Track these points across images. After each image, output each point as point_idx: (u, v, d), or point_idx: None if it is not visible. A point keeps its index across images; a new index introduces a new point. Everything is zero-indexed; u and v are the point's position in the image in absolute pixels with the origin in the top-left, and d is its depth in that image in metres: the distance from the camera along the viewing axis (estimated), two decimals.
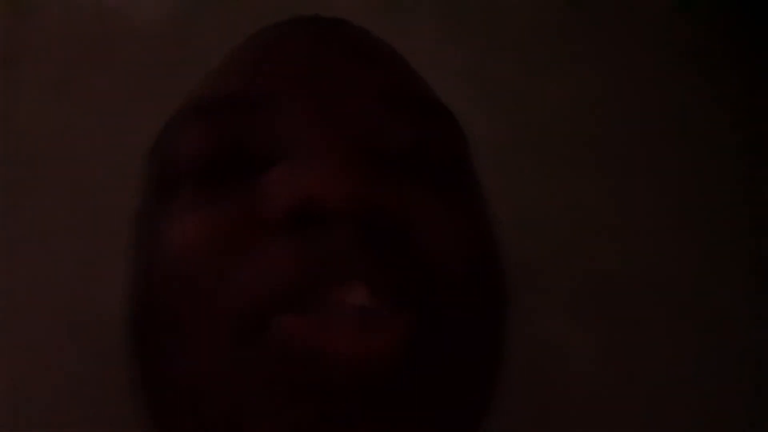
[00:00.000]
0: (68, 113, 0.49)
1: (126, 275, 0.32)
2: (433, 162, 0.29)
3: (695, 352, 0.52)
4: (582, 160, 0.55)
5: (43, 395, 0.44)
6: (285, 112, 0.28)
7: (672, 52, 0.59)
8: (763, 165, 0.58)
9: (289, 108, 0.28)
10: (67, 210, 0.47)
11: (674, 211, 0.56)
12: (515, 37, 0.57)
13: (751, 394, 0.52)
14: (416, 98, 0.30)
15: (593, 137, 0.56)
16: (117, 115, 0.50)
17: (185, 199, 0.28)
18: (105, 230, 0.47)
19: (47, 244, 0.47)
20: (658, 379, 0.51)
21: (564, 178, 0.55)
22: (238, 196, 0.27)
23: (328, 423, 0.23)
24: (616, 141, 0.57)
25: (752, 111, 0.59)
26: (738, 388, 0.52)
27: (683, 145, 0.57)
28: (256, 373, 0.24)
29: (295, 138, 0.27)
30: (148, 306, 0.28)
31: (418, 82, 0.32)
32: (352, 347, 0.22)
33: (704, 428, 0.50)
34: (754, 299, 0.54)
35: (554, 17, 0.58)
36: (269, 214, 0.25)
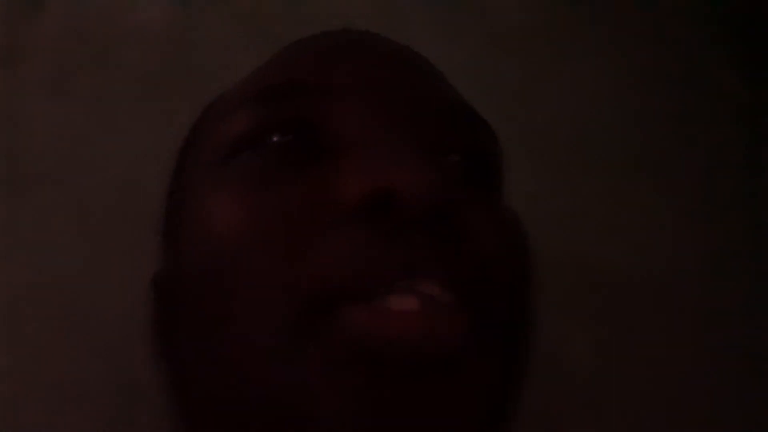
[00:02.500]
0: (69, 113, 0.50)
1: (157, 249, 0.32)
2: (479, 170, 0.30)
3: (694, 351, 0.52)
4: (580, 159, 0.56)
5: (44, 395, 0.44)
6: (346, 103, 0.28)
7: (672, 50, 0.59)
8: (763, 164, 0.58)
9: (350, 100, 0.28)
10: (68, 209, 0.48)
11: (673, 211, 0.56)
12: (515, 37, 0.58)
13: (751, 393, 0.52)
14: (462, 109, 0.31)
15: (592, 137, 0.56)
16: (117, 115, 0.50)
17: (239, 174, 0.28)
18: (106, 229, 0.47)
19: (48, 244, 0.47)
20: (656, 379, 0.51)
21: (562, 177, 0.55)
22: (304, 179, 0.27)
23: (391, 408, 0.23)
24: (614, 141, 0.57)
25: (753, 110, 0.59)
26: (737, 387, 0.52)
27: (683, 145, 0.58)
28: (319, 358, 0.24)
29: (361, 129, 0.27)
30: (192, 277, 0.27)
31: (458, 95, 0.33)
32: (419, 337, 0.23)
33: (703, 428, 0.50)
34: (754, 299, 0.54)
35: (554, 17, 0.58)
36: (344, 199, 0.25)
